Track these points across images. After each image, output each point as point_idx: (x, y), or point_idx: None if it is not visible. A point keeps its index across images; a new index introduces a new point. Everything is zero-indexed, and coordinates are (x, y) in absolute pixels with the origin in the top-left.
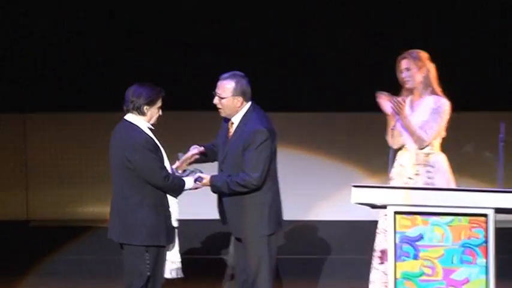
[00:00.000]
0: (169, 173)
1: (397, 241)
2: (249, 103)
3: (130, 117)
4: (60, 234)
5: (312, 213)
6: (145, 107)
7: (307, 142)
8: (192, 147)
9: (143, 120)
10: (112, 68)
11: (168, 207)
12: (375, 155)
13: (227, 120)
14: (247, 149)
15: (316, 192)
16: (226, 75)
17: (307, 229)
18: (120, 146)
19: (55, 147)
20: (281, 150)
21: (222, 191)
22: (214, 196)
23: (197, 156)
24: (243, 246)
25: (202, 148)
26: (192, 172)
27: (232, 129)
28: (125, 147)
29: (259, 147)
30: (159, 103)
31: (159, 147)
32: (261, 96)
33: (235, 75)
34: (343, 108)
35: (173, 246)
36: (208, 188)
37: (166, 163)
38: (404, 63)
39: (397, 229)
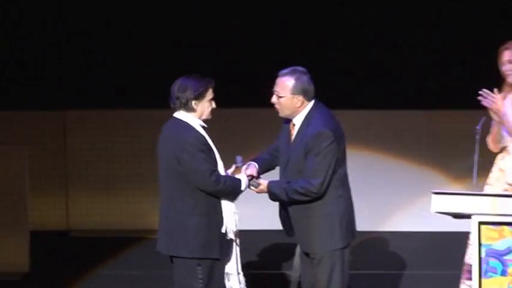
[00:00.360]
0: (220, 176)
1: (483, 255)
2: (312, 102)
3: (179, 114)
4: (104, 246)
5: (386, 223)
6: (193, 102)
7: (378, 143)
8: (248, 164)
9: (194, 116)
10: (160, 62)
11: (222, 216)
12: (457, 158)
13: (288, 121)
14: (309, 154)
15: (390, 199)
16: (285, 71)
17: (382, 241)
18: (168, 147)
19: (98, 148)
20: (351, 152)
21: (280, 199)
22: (275, 205)
23: (254, 174)
24: (311, 261)
25: (256, 166)
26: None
27: (294, 132)
28: (173, 147)
29: (323, 151)
30: (209, 95)
31: (211, 147)
32: (323, 92)
33: (296, 71)
34: (419, 104)
35: (230, 260)
36: (267, 195)
37: (220, 166)
38: (507, 55)
39: (483, 242)
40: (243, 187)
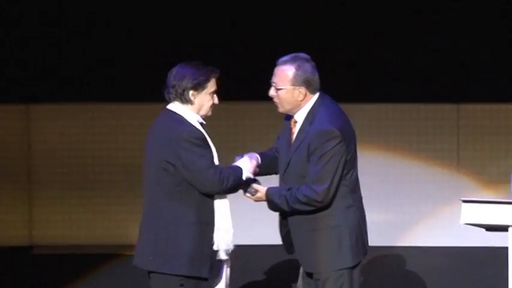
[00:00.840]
0: (222, 172)
1: None
2: (316, 95)
3: (173, 106)
4: (72, 264)
5: (405, 237)
6: (191, 92)
7: (396, 141)
8: (248, 155)
9: (190, 110)
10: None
11: (214, 228)
12: (492, 160)
13: (289, 117)
14: (313, 156)
15: (410, 209)
16: (284, 58)
17: (399, 259)
18: (158, 143)
19: (61, 148)
20: (362, 153)
21: (281, 208)
22: (275, 215)
23: (256, 169)
24: (315, 282)
25: (258, 158)
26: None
27: (295, 131)
28: (164, 143)
29: (329, 153)
30: (211, 87)
31: (209, 144)
32: (332, 84)
33: (297, 58)
34: (446, 96)
35: (218, 283)
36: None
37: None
38: None
39: None
40: (244, 176)
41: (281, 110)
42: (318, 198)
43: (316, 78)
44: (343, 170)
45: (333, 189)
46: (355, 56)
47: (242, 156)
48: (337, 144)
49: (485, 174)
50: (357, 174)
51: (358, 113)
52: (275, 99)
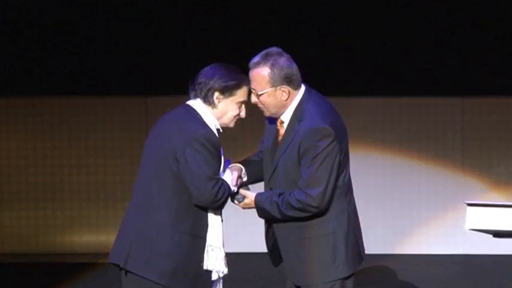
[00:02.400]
0: (220, 187)
1: None
2: (302, 90)
3: (195, 103)
4: (43, 274)
5: (406, 244)
6: (216, 95)
7: (397, 139)
8: (228, 170)
9: (211, 113)
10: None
11: (205, 242)
12: (497, 160)
13: (273, 119)
14: (304, 157)
15: (412, 213)
16: (255, 59)
17: (400, 267)
18: (166, 138)
19: (25, 147)
20: (358, 151)
21: (272, 215)
22: (260, 222)
23: (239, 182)
24: None
25: (242, 169)
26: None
27: (282, 130)
28: (173, 139)
29: (321, 153)
30: (240, 96)
31: (221, 153)
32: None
33: (268, 55)
34: (451, 89)
35: None
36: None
37: None
38: None
39: None
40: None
41: (267, 114)
42: (313, 203)
43: (295, 71)
44: (337, 171)
45: (328, 193)
46: (355, 49)
47: (229, 162)
48: (331, 143)
49: (492, 175)
50: (349, 175)
51: (353, 108)
52: (259, 105)
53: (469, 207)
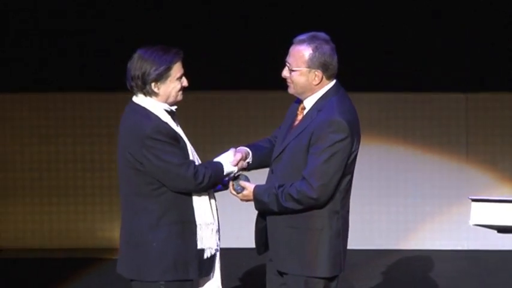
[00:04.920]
0: (198, 167)
1: None
2: (333, 82)
3: (138, 98)
4: (45, 269)
5: (411, 239)
6: (153, 85)
7: (403, 133)
8: (237, 148)
9: (156, 100)
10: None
11: (196, 226)
12: (502, 156)
13: (297, 102)
14: (314, 146)
15: (417, 209)
16: (301, 37)
17: (405, 263)
18: (124, 140)
19: (31, 143)
20: (364, 143)
21: (269, 208)
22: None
23: (244, 164)
24: (285, 284)
25: (248, 152)
26: (236, 179)
27: (300, 116)
28: (129, 140)
29: (333, 147)
30: (176, 73)
31: (179, 136)
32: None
33: (315, 38)
34: (458, 85)
35: (209, 281)
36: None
37: (195, 160)
38: None
39: None
40: (225, 171)
41: (292, 91)
42: (314, 195)
43: (334, 62)
44: (344, 171)
45: (330, 188)
46: (360, 45)
47: (234, 150)
48: (344, 139)
49: (497, 170)
50: (351, 182)
51: (356, 103)
52: (288, 81)
53: (473, 203)
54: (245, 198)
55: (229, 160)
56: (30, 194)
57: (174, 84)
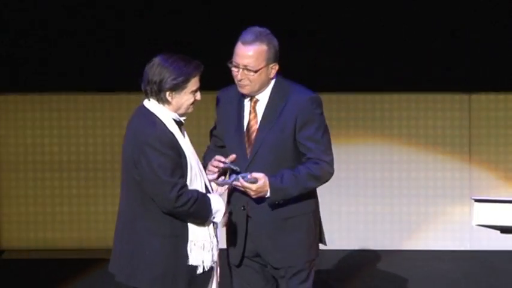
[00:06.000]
0: (187, 192)
1: None
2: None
3: (149, 103)
4: (48, 270)
5: (412, 240)
6: (167, 93)
7: (403, 131)
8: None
9: (167, 109)
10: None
11: (187, 240)
12: (505, 156)
13: (226, 100)
14: (305, 128)
15: (419, 208)
16: (249, 36)
17: (406, 263)
18: (128, 144)
19: (34, 144)
20: (361, 144)
21: (289, 193)
22: None
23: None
24: (281, 277)
25: (219, 158)
26: (237, 178)
27: (259, 110)
28: (132, 146)
29: (323, 121)
30: (192, 86)
31: (182, 151)
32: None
33: (261, 33)
34: (460, 84)
35: None
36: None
37: (197, 176)
38: None
39: None
40: (214, 208)
41: (247, 91)
42: (331, 170)
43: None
44: None
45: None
46: (363, 45)
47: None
48: (323, 113)
49: (500, 170)
50: None
51: (360, 103)
52: (244, 82)
53: (476, 203)
54: (259, 190)
55: (215, 198)
56: (33, 195)
57: (188, 96)
